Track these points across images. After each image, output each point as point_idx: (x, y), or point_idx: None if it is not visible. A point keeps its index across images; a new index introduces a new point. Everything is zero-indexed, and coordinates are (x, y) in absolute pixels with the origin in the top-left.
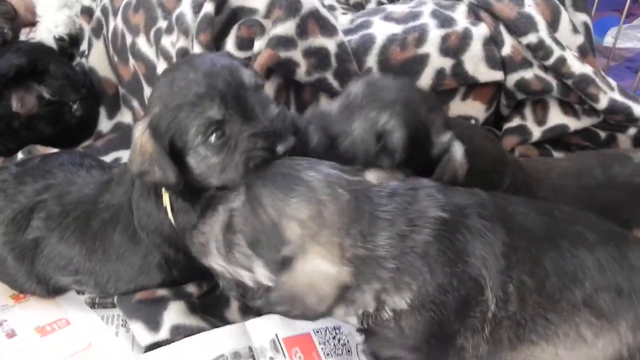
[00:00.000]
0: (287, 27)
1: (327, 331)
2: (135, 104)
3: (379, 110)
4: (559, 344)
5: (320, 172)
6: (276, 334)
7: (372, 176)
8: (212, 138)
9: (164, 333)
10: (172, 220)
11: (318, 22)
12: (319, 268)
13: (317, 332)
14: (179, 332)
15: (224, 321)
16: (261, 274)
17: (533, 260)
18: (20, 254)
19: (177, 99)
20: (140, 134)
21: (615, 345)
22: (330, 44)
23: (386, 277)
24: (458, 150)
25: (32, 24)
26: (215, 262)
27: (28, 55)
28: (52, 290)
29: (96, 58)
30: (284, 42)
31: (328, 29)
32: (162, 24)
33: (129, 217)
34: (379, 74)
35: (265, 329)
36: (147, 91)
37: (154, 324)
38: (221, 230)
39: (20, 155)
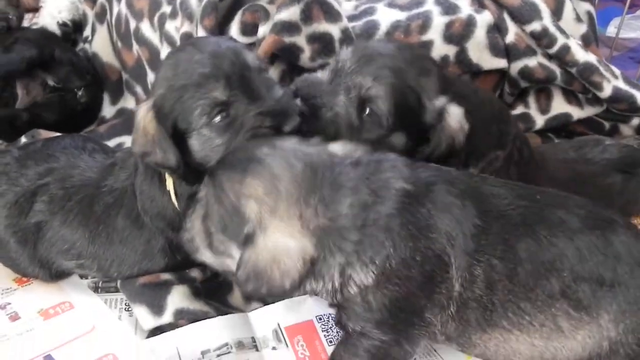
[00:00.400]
0: (291, 13)
1: (331, 317)
2: (139, 89)
3: (364, 75)
4: (534, 334)
5: (273, 147)
6: (278, 324)
7: (337, 147)
8: (217, 119)
9: (167, 317)
10: (176, 205)
11: (322, 8)
12: (279, 242)
13: (320, 318)
14: (183, 316)
15: (227, 306)
16: (238, 257)
17: (505, 245)
18: (23, 238)
19: (182, 80)
20: (144, 114)
21: (596, 337)
22: (334, 30)
23: (350, 250)
24: (454, 114)
25: (35, 9)
26: (204, 255)
27: (37, 45)
28: (55, 275)
29: (100, 43)
30: (288, 27)
31: (332, 14)
32: (166, 8)
33: (132, 201)
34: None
35: (267, 319)
36: (151, 77)
37: (157, 308)
38: (201, 225)
39: (23, 139)
